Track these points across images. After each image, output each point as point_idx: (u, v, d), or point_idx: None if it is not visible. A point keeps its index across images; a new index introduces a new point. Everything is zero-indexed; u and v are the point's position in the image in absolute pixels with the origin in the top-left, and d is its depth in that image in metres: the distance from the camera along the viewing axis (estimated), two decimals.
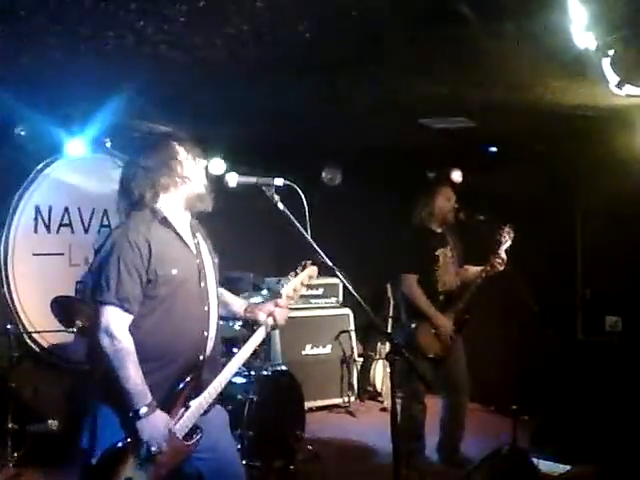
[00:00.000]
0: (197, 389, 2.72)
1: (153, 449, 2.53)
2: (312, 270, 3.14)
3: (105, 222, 5.98)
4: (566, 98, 4.36)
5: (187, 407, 2.67)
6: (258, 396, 4.56)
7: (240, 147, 6.03)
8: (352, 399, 6.64)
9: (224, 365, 2.88)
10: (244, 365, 4.87)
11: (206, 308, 2.85)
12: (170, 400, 2.63)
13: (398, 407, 2.50)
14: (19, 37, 3.38)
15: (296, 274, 3.12)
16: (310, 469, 4.84)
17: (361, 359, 6.92)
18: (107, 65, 3.87)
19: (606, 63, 2.85)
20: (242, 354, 2.93)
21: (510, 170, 6.24)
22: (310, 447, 5.01)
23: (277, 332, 6.27)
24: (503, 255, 4.77)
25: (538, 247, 5.90)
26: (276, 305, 3.04)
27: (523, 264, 4.86)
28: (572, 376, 5.46)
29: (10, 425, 4.60)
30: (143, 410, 2.51)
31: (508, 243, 4.82)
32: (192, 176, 2.82)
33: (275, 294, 3.13)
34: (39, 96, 4.63)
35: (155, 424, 2.53)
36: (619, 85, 2.95)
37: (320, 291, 6.76)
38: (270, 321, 3.03)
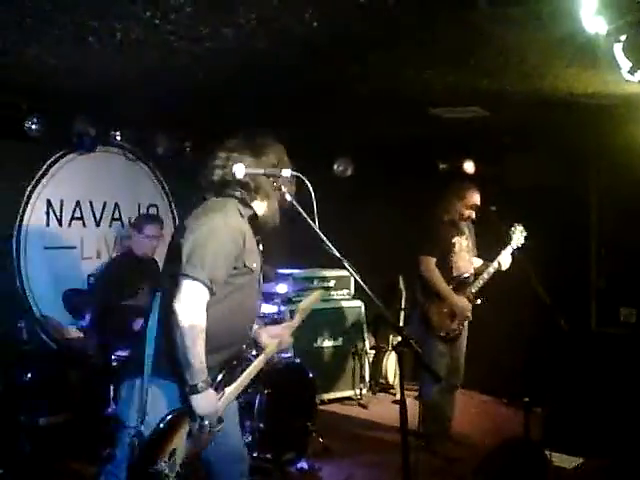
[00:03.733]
0: (233, 377, 2.84)
1: (205, 423, 2.67)
2: (318, 294, 3.55)
3: (117, 215, 6.00)
4: (578, 86, 4.31)
5: (223, 394, 2.78)
6: (269, 388, 4.55)
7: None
8: (364, 391, 6.63)
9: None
10: (255, 357, 4.89)
11: (259, 302, 3.04)
12: (215, 382, 2.76)
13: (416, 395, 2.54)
14: (26, 27, 3.38)
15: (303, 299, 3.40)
16: (321, 461, 4.83)
17: (373, 351, 6.91)
18: (114, 56, 3.86)
19: (618, 49, 2.80)
20: (256, 365, 3.00)
21: (523, 159, 6.19)
22: (321, 439, 5.01)
23: None
24: (507, 256, 4.95)
25: (552, 237, 5.85)
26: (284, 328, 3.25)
27: (536, 254, 4.82)
28: (586, 368, 5.41)
29: (22, 418, 4.62)
30: (202, 385, 2.61)
31: (520, 241, 4.95)
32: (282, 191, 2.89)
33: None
34: (50, 89, 4.65)
35: (210, 400, 2.66)
36: (631, 71, 2.90)
37: (331, 283, 6.74)
38: (274, 344, 3.12)
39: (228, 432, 2.92)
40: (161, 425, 2.62)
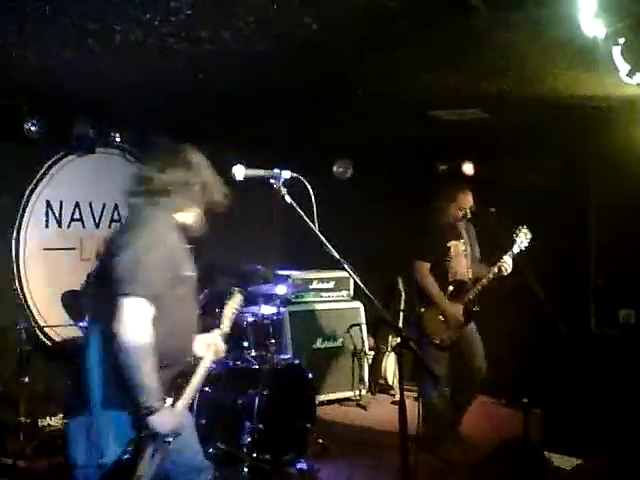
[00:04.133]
0: (182, 390, 2.77)
1: (168, 439, 2.59)
2: (238, 297, 3.32)
3: (116, 217, 6.00)
4: (577, 88, 4.32)
5: (174, 407, 2.71)
6: (269, 389, 4.56)
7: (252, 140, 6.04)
8: (363, 392, 6.63)
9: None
10: (254, 358, 4.91)
11: (197, 311, 2.96)
12: (171, 395, 2.70)
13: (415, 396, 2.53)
14: (26, 30, 3.39)
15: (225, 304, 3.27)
16: (320, 462, 4.83)
17: (372, 352, 6.91)
18: (113, 58, 3.87)
19: (616, 52, 2.81)
20: (201, 371, 2.93)
21: (522, 161, 6.20)
22: (321, 440, 5.02)
23: (288, 325, 6.27)
24: (509, 260, 4.85)
25: (551, 239, 5.85)
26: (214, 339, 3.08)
27: (536, 256, 4.83)
28: (584, 369, 5.41)
29: (22, 419, 4.63)
30: (156, 405, 2.52)
31: (524, 244, 4.87)
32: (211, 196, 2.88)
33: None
34: (49, 91, 4.66)
35: (170, 416, 2.60)
36: (630, 74, 2.91)
37: (331, 284, 6.76)
38: (210, 353, 3.02)
39: (185, 444, 2.85)
40: (124, 457, 2.52)
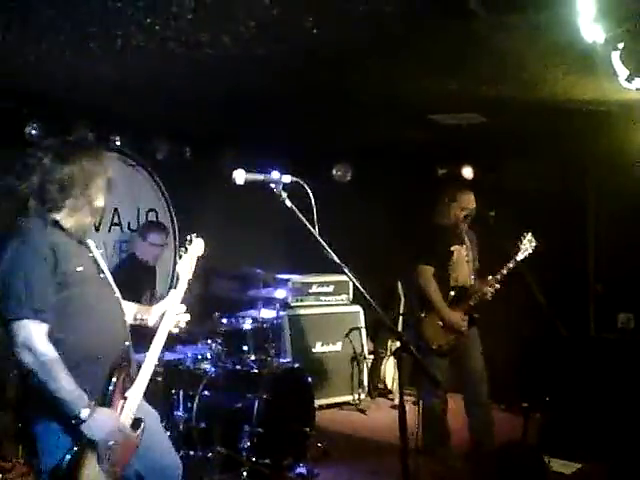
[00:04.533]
0: (129, 378, 2.70)
1: (110, 443, 2.49)
2: (198, 242, 3.02)
3: (116, 220, 6.00)
4: (576, 93, 4.33)
5: (125, 398, 2.64)
6: (268, 393, 4.55)
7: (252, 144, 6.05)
8: (362, 396, 6.63)
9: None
10: (254, 362, 4.91)
11: (116, 295, 2.83)
12: (108, 396, 2.59)
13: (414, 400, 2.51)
14: (27, 33, 3.40)
15: (186, 250, 2.98)
16: (320, 466, 4.83)
17: (371, 356, 6.91)
18: (115, 61, 3.88)
19: (615, 56, 2.82)
20: (157, 343, 2.81)
21: (521, 165, 6.21)
22: (320, 444, 5.01)
23: (287, 329, 6.27)
24: (511, 267, 4.79)
25: (550, 243, 5.85)
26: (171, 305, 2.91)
27: (534, 260, 4.83)
28: (584, 373, 5.41)
29: (19, 417, 4.62)
30: (84, 413, 2.45)
31: (528, 251, 4.83)
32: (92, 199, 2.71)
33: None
34: (50, 94, 4.67)
35: (103, 420, 2.50)
36: (629, 79, 2.92)
37: (330, 288, 6.76)
38: (168, 319, 2.87)
39: (153, 441, 2.80)
40: (62, 466, 2.44)
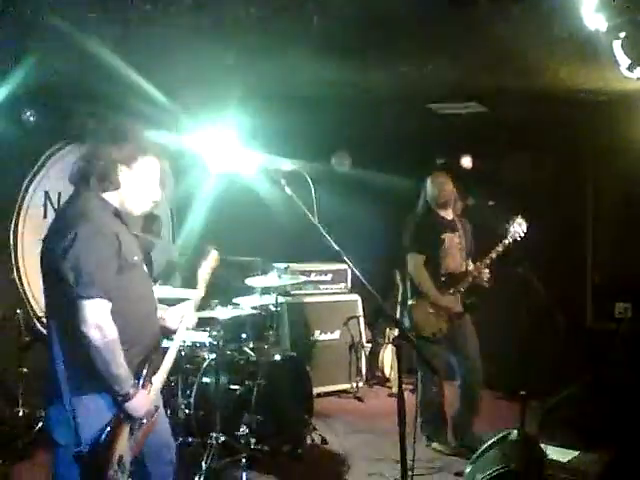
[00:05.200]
0: (156, 367, 2.85)
1: (144, 421, 2.73)
2: (214, 255, 3.23)
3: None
4: (577, 82, 4.33)
5: (151, 385, 2.80)
6: (266, 381, 4.57)
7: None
8: (360, 384, 6.64)
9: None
10: (252, 350, 4.93)
11: (152, 287, 2.99)
12: (142, 379, 2.75)
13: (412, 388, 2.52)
14: (25, 20, 3.38)
15: (205, 259, 3.22)
16: (318, 454, 4.86)
17: (369, 345, 6.92)
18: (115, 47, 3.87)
19: (617, 46, 2.81)
20: (177, 340, 3.03)
21: (520, 155, 6.20)
22: (318, 432, 5.03)
23: (286, 318, 6.28)
24: (501, 250, 4.80)
25: (548, 233, 5.87)
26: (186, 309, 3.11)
27: (533, 250, 4.84)
28: (581, 362, 5.44)
29: (21, 409, 4.64)
30: (132, 391, 2.63)
31: (518, 234, 4.82)
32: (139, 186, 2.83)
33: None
34: (48, 80, 4.65)
35: (143, 401, 2.71)
36: (630, 68, 2.92)
37: (329, 277, 6.76)
38: (182, 324, 3.07)
39: (158, 422, 2.94)
40: (101, 439, 2.61)
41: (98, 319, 2.56)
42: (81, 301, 2.56)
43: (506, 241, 4.81)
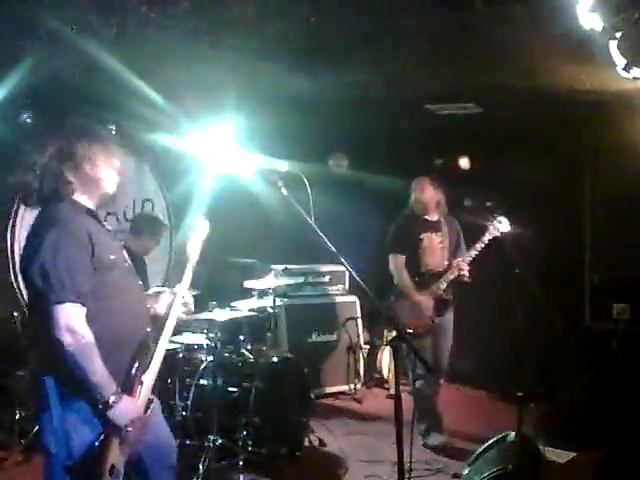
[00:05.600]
0: (146, 365, 2.77)
1: (129, 429, 2.59)
2: (204, 225, 3.11)
3: (111, 210, 5.98)
4: (573, 83, 4.33)
5: (142, 383, 2.72)
6: (264, 383, 4.56)
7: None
8: (358, 386, 6.63)
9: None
10: (250, 352, 4.92)
11: (139, 282, 2.92)
12: (129, 380, 2.68)
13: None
14: (22, 23, 3.37)
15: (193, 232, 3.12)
16: (316, 456, 4.85)
17: (367, 346, 6.91)
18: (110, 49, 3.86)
19: (613, 46, 2.81)
20: (167, 329, 2.90)
21: (517, 156, 6.20)
22: (316, 434, 5.03)
23: (284, 319, 6.27)
24: (480, 247, 4.91)
25: (546, 234, 5.86)
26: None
27: (531, 250, 4.83)
28: (579, 363, 5.43)
29: (17, 412, 4.62)
30: (112, 399, 2.53)
31: (498, 232, 4.90)
32: (104, 177, 2.85)
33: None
34: (45, 83, 4.64)
35: (128, 406, 2.60)
36: (626, 68, 2.92)
37: (326, 278, 6.76)
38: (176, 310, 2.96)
39: (155, 424, 2.88)
40: (92, 451, 2.55)
41: (70, 323, 2.48)
42: (51, 306, 2.49)
43: (485, 239, 4.92)
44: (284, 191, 2.85)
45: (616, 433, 4.43)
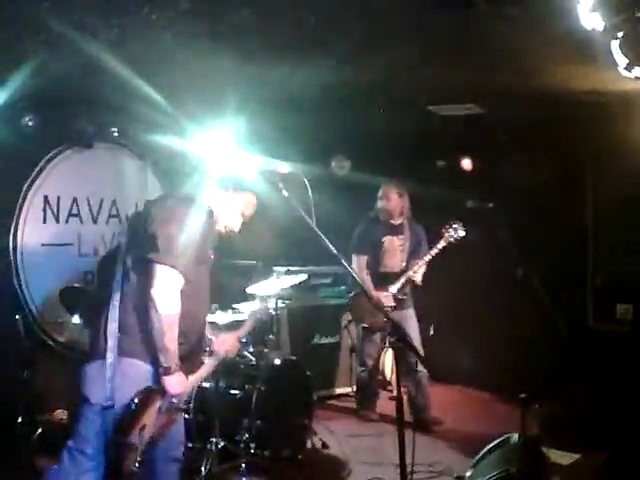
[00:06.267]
0: (193, 369, 2.98)
1: (175, 401, 2.83)
2: (264, 305, 3.89)
3: (114, 212, 5.99)
4: (575, 83, 4.32)
5: (187, 379, 2.90)
6: (266, 385, 4.55)
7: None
8: None
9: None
10: (252, 354, 4.91)
11: (208, 292, 3.11)
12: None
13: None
14: (24, 25, 3.38)
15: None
16: (318, 458, 4.84)
17: None
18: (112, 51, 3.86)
19: (615, 45, 2.80)
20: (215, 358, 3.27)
21: (519, 157, 6.19)
22: (318, 436, 5.01)
23: (286, 321, 6.27)
24: (435, 253, 5.26)
25: (548, 235, 5.85)
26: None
27: (533, 252, 4.83)
28: (582, 364, 5.42)
29: (20, 416, 4.62)
30: (175, 367, 2.75)
31: (453, 238, 5.22)
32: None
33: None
34: (47, 85, 4.64)
35: (182, 381, 2.82)
36: (628, 67, 2.91)
37: (329, 280, 6.75)
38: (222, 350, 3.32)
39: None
40: (133, 403, 2.70)
41: (169, 288, 2.70)
42: (160, 266, 2.70)
43: (440, 244, 5.24)
44: (285, 193, 2.86)
45: (620, 435, 4.41)
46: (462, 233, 5.22)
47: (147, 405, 2.73)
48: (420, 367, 5.29)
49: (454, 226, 5.24)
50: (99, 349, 2.78)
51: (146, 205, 2.97)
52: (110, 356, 2.72)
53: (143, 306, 2.72)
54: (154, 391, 2.76)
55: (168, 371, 2.74)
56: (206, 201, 3.01)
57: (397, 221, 5.61)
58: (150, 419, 2.74)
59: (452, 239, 5.23)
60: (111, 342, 2.74)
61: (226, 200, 3.10)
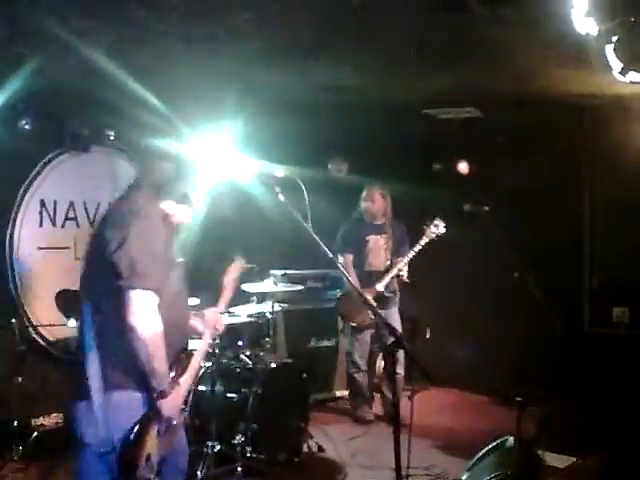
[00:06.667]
0: (183, 370, 2.88)
1: (173, 422, 2.74)
2: (239, 263, 3.45)
3: None
4: (569, 87, 4.33)
5: (179, 387, 2.80)
6: (263, 388, 4.55)
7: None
8: None
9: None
10: (248, 357, 4.91)
11: (186, 290, 3.01)
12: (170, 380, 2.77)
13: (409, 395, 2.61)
14: (21, 28, 3.38)
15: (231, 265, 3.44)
16: (315, 462, 4.83)
17: None
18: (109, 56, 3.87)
19: (609, 50, 2.81)
20: (204, 346, 3.14)
21: (517, 160, 6.20)
22: (314, 440, 5.01)
23: (282, 324, 6.26)
24: (405, 261, 5.41)
25: (544, 238, 5.86)
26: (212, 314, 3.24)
27: (530, 254, 4.83)
28: (579, 367, 5.42)
29: (15, 419, 4.61)
30: (168, 389, 2.65)
31: (434, 235, 5.33)
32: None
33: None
34: (44, 89, 4.64)
35: (176, 400, 2.73)
36: (622, 72, 2.92)
37: (326, 283, 6.74)
38: (211, 329, 3.21)
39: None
40: (131, 437, 2.60)
41: (147, 311, 2.58)
42: (132, 292, 2.56)
43: (422, 242, 5.35)
44: (281, 196, 2.86)
45: (616, 438, 4.42)
46: (443, 230, 5.33)
47: (145, 434, 2.63)
48: (399, 369, 5.26)
49: (435, 222, 5.35)
50: (84, 385, 2.63)
51: (98, 227, 2.79)
52: (97, 398, 2.59)
53: (123, 336, 2.56)
54: (149, 418, 2.65)
55: (163, 395, 2.64)
56: (153, 205, 2.82)
57: (380, 221, 5.78)
58: (152, 447, 2.66)
59: (433, 235, 5.34)
60: (95, 384, 2.60)
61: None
